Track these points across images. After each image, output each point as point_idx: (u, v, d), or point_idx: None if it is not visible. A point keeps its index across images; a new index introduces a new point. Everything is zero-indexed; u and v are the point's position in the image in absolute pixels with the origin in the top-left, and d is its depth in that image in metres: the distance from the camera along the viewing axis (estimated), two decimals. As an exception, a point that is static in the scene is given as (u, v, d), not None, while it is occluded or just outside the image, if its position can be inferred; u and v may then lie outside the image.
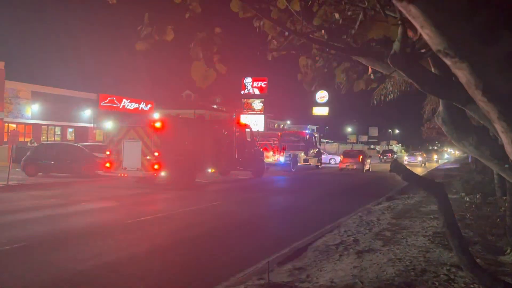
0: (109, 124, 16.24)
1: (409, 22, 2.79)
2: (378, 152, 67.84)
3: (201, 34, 3.31)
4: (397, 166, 3.48)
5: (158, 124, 15.26)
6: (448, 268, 5.70)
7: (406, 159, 42.58)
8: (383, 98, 13.06)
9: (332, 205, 13.19)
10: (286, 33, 5.35)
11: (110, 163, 15.89)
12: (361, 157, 27.43)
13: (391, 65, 2.99)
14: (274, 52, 5.43)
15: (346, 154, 28.54)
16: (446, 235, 3.80)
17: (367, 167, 27.67)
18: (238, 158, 19.71)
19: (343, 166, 27.12)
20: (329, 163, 38.10)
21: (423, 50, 3.30)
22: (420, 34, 2.98)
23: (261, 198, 14.61)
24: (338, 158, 39.11)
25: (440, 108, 4.09)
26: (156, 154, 15.05)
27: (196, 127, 18.04)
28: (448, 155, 62.45)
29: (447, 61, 2.14)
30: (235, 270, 5.94)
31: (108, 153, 16.01)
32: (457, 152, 70.82)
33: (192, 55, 3.31)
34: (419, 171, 28.11)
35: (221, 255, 6.94)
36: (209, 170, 17.91)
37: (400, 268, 5.67)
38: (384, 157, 50.74)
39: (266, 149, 24.79)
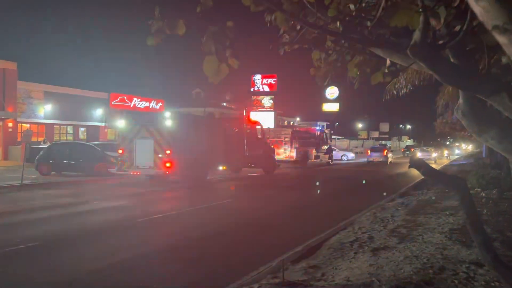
0: (121, 123, 16.30)
1: (431, 10, 2.67)
2: (402, 147, 68.85)
3: (213, 27, 3.22)
4: (416, 161, 3.36)
5: (169, 123, 15.33)
6: (467, 265, 5.55)
7: (418, 155, 37.09)
8: (395, 92, 12.84)
9: (344, 202, 13.05)
10: (298, 27, 5.24)
11: (123, 162, 15.98)
12: (385, 151, 34.12)
13: (411, 56, 2.88)
14: (286, 46, 5.33)
15: (372, 149, 35.91)
16: (469, 232, 3.67)
17: (390, 160, 32.85)
18: (249, 155, 19.67)
19: (371, 159, 33.34)
20: (341, 159, 37.80)
21: (440, 42, 3.18)
22: (443, 23, 2.86)
23: (273, 195, 14.52)
24: (350, 155, 38.90)
25: (460, 101, 3.95)
26: (168, 152, 15.09)
27: (207, 125, 18.04)
28: (459, 150, 59.61)
29: (504, 39, 1.99)
30: (249, 269, 5.87)
31: (120, 151, 16.10)
32: (469, 148, 69.59)
33: (204, 49, 3.23)
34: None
35: (234, 253, 6.87)
36: (220, 168, 17.90)
37: (418, 266, 5.54)
38: (407, 152, 51.13)
39: (277, 146, 24.68)
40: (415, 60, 2.99)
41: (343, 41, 4.18)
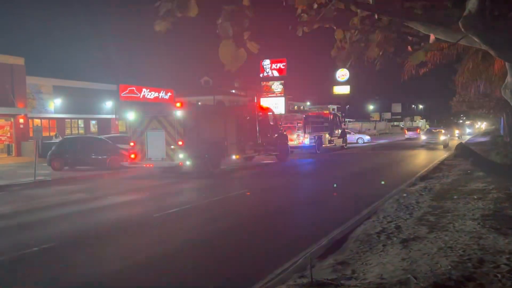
0: (131, 115, 16.00)
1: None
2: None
3: (229, 7, 2.82)
4: (464, 150, 2.95)
5: (180, 113, 14.95)
6: (507, 256, 5.15)
7: (423, 139, 31.09)
8: (414, 72, 12.28)
9: (363, 187, 12.64)
10: (316, 6, 4.78)
11: (135, 154, 15.76)
12: (418, 130, 41.16)
13: (463, 29, 2.46)
14: (305, 27, 4.89)
15: (408, 129, 43.29)
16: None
17: (446, 142, 29.94)
18: (262, 143, 19.30)
19: (407, 136, 39.45)
20: (357, 142, 37.08)
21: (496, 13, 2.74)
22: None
23: (289, 183, 14.17)
24: (366, 137, 38.21)
25: (509, 79, 3.50)
26: (180, 143, 14.80)
27: (218, 114, 17.67)
28: (470, 129, 56.48)
29: None
30: (273, 265, 5.56)
31: (132, 144, 15.88)
32: (482, 126, 67.92)
33: (220, 33, 2.83)
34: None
35: (255, 249, 6.56)
36: (234, 157, 17.57)
37: (454, 259, 5.15)
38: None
39: (290, 132, 24.22)
40: (466, 34, 2.57)
41: (376, 16, 3.72)
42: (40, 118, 31.84)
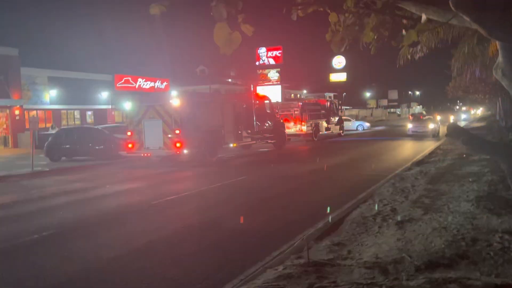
0: (128, 105, 15.98)
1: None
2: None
3: (223, -11, 2.85)
4: (455, 129, 3.01)
5: (176, 102, 14.97)
6: (500, 235, 5.26)
7: (410, 127, 26.94)
8: (409, 57, 12.27)
9: (360, 172, 12.75)
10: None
11: (133, 144, 15.80)
12: (422, 117, 31.07)
13: (454, 8, 2.50)
14: (299, 10, 4.90)
15: (414, 119, 29.12)
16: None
17: (436, 130, 25.70)
18: (259, 130, 19.36)
19: (414, 130, 26.75)
20: (357, 129, 37.05)
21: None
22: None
23: (286, 169, 14.26)
24: (366, 124, 38.27)
25: (500, 59, 3.55)
26: (177, 132, 14.85)
27: (215, 102, 17.68)
28: (466, 115, 55.17)
29: None
30: (271, 248, 5.65)
31: (129, 133, 15.91)
32: (478, 112, 67.84)
33: (214, 15, 2.87)
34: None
35: (253, 232, 6.65)
36: (231, 145, 17.63)
37: (448, 238, 5.26)
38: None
39: (287, 120, 24.27)
40: (456, 13, 2.61)
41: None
42: (36, 110, 31.72)
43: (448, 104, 75.66)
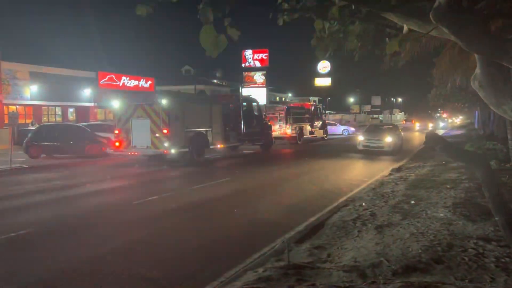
0: (115, 103, 15.86)
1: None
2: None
3: (211, -7, 2.87)
4: (432, 137, 3.10)
5: (165, 102, 15.00)
6: (475, 241, 5.41)
7: (360, 140, 20.26)
8: (392, 64, 12.49)
9: (341, 176, 12.88)
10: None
11: (120, 142, 15.71)
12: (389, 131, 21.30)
13: (434, 20, 2.58)
14: (285, 16, 4.96)
15: (370, 129, 22.39)
16: (492, 211, 3.45)
17: (397, 146, 20.39)
18: (246, 132, 19.50)
19: (367, 144, 20.18)
20: (342, 134, 37.19)
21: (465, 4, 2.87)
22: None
23: (271, 172, 14.31)
24: (351, 129, 38.54)
25: (477, 70, 3.67)
26: (164, 131, 14.88)
27: (203, 103, 17.72)
28: (444, 123, 54.78)
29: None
30: (251, 250, 5.68)
31: (117, 132, 15.85)
32: (456, 120, 68.85)
33: (201, 18, 2.88)
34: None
35: (233, 234, 6.67)
36: (218, 146, 17.73)
37: (425, 243, 5.39)
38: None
39: (272, 123, 24.39)
40: (436, 25, 2.69)
41: (353, 7, 3.81)
42: (16, 105, 31.03)
43: (429, 111, 76.93)
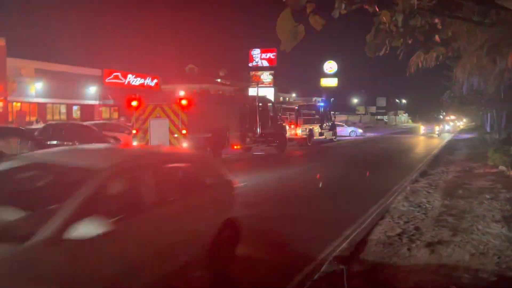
0: (134, 103, 15.39)
1: None
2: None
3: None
4: None
5: (185, 102, 14.56)
6: (547, 264, 4.80)
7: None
8: (420, 65, 11.88)
9: (366, 181, 12.25)
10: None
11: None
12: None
13: None
14: (344, 4, 4.33)
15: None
16: None
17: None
18: (261, 133, 19.02)
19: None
20: (350, 135, 35.96)
21: None
22: None
23: (290, 176, 13.68)
24: (359, 131, 37.58)
25: None
26: (184, 132, 14.45)
27: (220, 103, 17.35)
28: (449, 126, 52.89)
29: None
30: (290, 271, 5.07)
31: (134, 132, 15.38)
32: (458, 124, 67.28)
33: (288, 1, 2.28)
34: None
35: (264, 253, 6.03)
36: (235, 147, 17.38)
37: (492, 267, 4.77)
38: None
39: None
40: None
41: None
42: (21, 102, 30.51)
43: (435, 115, 76.11)
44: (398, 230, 6.52)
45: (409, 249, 5.61)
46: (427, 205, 8.29)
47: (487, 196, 8.74)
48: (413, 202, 8.67)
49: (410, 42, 5.30)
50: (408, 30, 4.36)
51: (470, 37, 8.74)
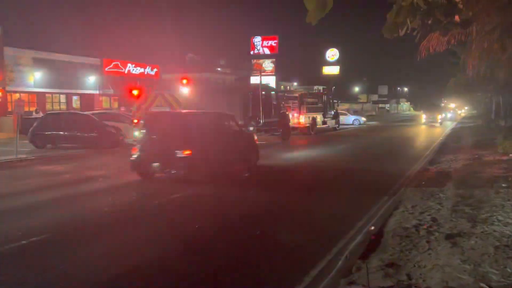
0: (135, 91, 15.04)
1: None
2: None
3: None
4: None
5: (186, 90, 14.29)
6: None
7: None
8: (431, 50, 11.49)
9: (376, 168, 11.95)
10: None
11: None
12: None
13: None
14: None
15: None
16: None
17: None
18: (265, 122, 18.73)
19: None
20: (353, 124, 35.55)
21: None
22: None
23: (297, 166, 13.40)
24: (362, 119, 37.15)
25: None
26: None
27: (223, 92, 17.08)
28: (452, 114, 51.37)
29: None
30: (306, 264, 4.81)
31: (136, 121, 15.04)
32: (460, 112, 66.31)
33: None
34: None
35: (275, 242, 5.79)
36: None
37: (520, 260, 4.48)
38: None
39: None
40: None
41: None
42: (19, 92, 30.08)
43: (436, 103, 75.29)
44: (414, 222, 6.24)
45: (428, 242, 5.33)
46: (441, 195, 8.00)
47: (503, 185, 8.45)
48: (426, 191, 8.38)
49: (429, 22, 4.97)
50: (431, 7, 4.02)
51: (486, 18, 8.36)
